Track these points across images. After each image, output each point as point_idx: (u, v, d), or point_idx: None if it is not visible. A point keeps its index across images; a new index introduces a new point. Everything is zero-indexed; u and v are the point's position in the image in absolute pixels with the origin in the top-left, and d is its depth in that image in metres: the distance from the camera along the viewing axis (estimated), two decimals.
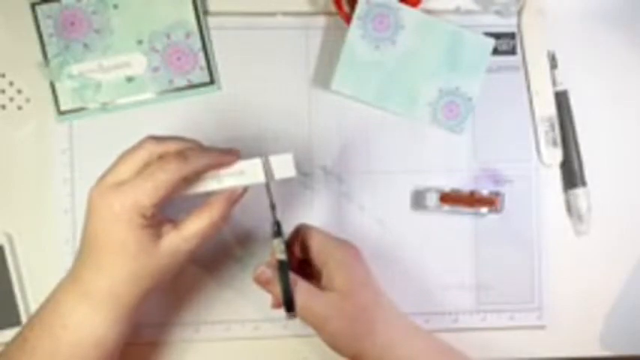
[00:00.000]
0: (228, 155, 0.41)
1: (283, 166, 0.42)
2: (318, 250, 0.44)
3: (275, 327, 0.53)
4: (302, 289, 0.42)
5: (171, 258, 0.40)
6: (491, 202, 0.53)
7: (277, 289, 0.42)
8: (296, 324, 0.53)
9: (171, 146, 0.40)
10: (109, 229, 0.38)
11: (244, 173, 0.42)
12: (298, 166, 0.54)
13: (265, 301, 0.53)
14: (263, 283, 0.44)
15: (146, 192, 0.37)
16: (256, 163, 0.42)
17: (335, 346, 0.43)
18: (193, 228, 0.41)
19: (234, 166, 0.42)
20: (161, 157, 0.39)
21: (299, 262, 0.46)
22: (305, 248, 0.46)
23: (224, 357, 0.53)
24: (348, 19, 0.53)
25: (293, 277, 0.43)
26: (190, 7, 0.53)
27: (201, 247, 0.42)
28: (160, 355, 0.52)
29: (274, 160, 0.42)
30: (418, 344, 0.43)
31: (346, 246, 0.45)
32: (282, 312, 0.54)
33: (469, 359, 0.44)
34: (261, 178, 0.42)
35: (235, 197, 0.42)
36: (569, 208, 0.55)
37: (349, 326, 0.42)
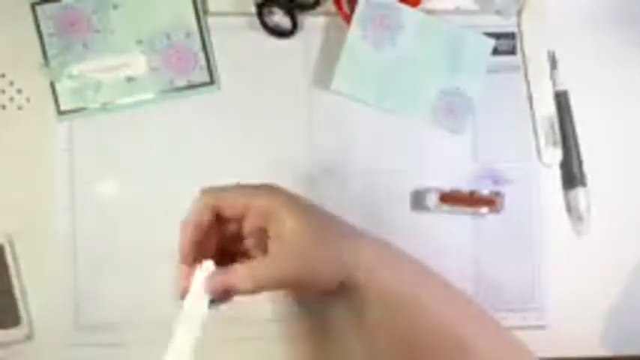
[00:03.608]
0: None
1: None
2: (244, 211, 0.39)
3: (275, 327, 0.53)
4: (251, 263, 0.38)
5: None
6: (491, 202, 0.53)
7: (243, 283, 0.37)
8: (296, 324, 0.53)
9: None
10: None
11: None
12: (298, 165, 0.54)
13: (265, 301, 0.53)
14: (228, 294, 0.39)
15: None
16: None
17: (315, 290, 0.39)
18: None
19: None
20: None
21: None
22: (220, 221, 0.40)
23: (224, 357, 0.53)
24: (348, 19, 0.53)
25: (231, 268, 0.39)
26: (190, 7, 0.53)
27: None
28: (159, 356, 0.52)
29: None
30: (406, 266, 0.41)
31: (264, 197, 0.39)
32: (283, 313, 0.54)
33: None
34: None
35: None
36: (569, 208, 0.55)
37: (308, 266, 0.38)
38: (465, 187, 0.54)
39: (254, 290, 0.37)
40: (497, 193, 0.53)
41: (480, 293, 0.54)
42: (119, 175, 0.53)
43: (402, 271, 0.40)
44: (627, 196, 0.56)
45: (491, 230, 0.55)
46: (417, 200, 0.54)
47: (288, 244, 0.38)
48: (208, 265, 0.38)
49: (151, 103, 0.53)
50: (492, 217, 0.54)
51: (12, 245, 0.51)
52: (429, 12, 0.54)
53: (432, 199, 0.53)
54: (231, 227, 0.41)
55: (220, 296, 0.38)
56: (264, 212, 0.38)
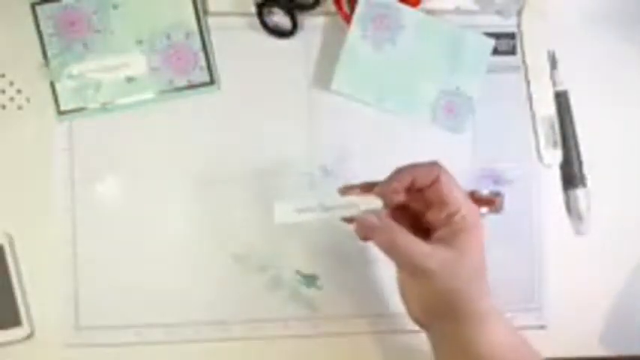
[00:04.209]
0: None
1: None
2: (450, 201, 0.41)
3: (275, 327, 0.53)
4: (414, 240, 0.40)
5: None
6: (491, 202, 0.53)
7: (383, 237, 0.40)
8: (296, 324, 0.53)
9: None
10: None
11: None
12: (298, 165, 0.54)
13: (265, 301, 0.53)
14: (368, 230, 0.41)
15: None
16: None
17: (432, 302, 0.41)
18: None
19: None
20: None
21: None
22: (420, 192, 0.42)
23: (224, 357, 0.53)
24: (348, 19, 0.53)
25: (399, 227, 0.40)
26: (190, 7, 0.53)
27: None
28: (159, 356, 0.52)
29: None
30: (501, 324, 0.42)
31: (474, 205, 0.42)
32: (283, 313, 0.54)
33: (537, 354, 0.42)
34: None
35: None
36: (569, 208, 0.55)
37: (459, 286, 0.40)
38: (465, 187, 0.53)
39: (384, 251, 0.40)
40: (497, 193, 0.53)
41: None
42: (119, 175, 0.53)
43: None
44: (627, 196, 0.56)
45: (491, 230, 0.54)
46: None
47: (447, 258, 0.39)
48: (379, 203, 0.41)
49: (151, 103, 0.53)
50: (492, 217, 0.54)
51: (12, 245, 0.51)
52: (429, 12, 0.54)
53: None
54: (418, 206, 0.42)
55: (359, 228, 0.40)
56: (460, 222, 0.40)
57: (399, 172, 0.41)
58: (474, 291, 0.41)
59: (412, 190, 0.41)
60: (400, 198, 0.42)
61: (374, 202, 0.41)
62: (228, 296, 0.53)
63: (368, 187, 0.42)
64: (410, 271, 0.41)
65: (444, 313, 0.40)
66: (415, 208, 0.43)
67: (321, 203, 0.41)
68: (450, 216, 0.41)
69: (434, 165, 0.41)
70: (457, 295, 0.40)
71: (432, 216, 0.42)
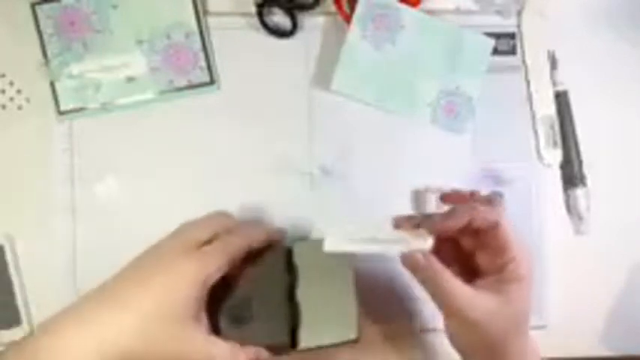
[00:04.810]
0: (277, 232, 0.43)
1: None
2: (508, 248, 0.40)
3: None
4: (459, 286, 0.39)
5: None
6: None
7: (427, 277, 0.39)
8: None
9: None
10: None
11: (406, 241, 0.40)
12: (298, 165, 0.54)
13: None
14: (412, 268, 0.40)
15: (216, 263, 0.39)
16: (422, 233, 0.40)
17: (469, 341, 0.41)
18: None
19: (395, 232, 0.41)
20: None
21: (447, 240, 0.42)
22: (481, 232, 0.41)
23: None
24: (348, 19, 0.53)
25: (444, 268, 0.40)
26: (190, 7, 0.53)
27: None
28: None
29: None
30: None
31: (527, 254, 0.41)
32: None
33: None
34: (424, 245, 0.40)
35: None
36: (569, 208, 0.55)
37: (498, 333, 0.39)
38: (465, 187, 0.54)
39: (426, 290, 0.39)
40: (497, 193, 0.53)
41: None
42: (119, 175, 0.53)
43: None
44: (627, 196, 0.56)
45: None
46: (417, 200, 0.54)
47: (491, 309, 0.39)
48: (430, 240, 0.40)
49: (151, 103, 0.53)
50: None
51: (12, 245, 0.51)
52: (429, 12, 0.54)
53: (432, 199, 0.53)
54: (469, 244, 0.42)
55: (405, 264, 0.40)
56: (513, 271, 0.40)
57: (457, 211, 0.40)
58: (512, 334, 0.40)
59: (467, 229, 0.40)
60: (451, 232, 0.40)
61: (425, 237, 0.40)
62: None
63: (420, 220, 0.41)
64: (450, 314, 0.40)
65: (480, 352, 0.40)
66: (465, 246, 0.42)
67: (374, 236, 0.40)
68: (505, 264, 0.39)
69: (494, 209, 0.40)
70: (495, 338, 0.39)
71: (483, 259, 0.41)
